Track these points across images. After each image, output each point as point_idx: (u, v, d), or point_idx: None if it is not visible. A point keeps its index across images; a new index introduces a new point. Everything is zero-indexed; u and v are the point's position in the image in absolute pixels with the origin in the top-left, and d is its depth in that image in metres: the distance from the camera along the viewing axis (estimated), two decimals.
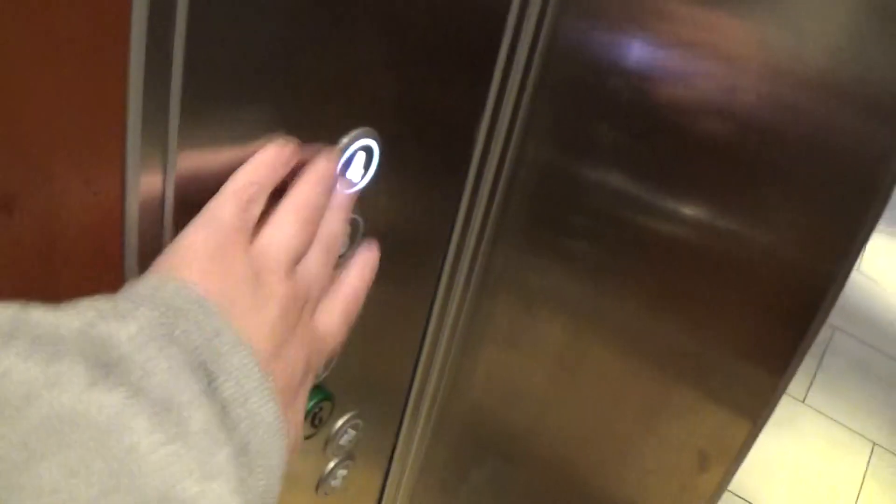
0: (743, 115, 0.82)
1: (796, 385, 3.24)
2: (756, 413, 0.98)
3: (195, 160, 0.48)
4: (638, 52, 0.81)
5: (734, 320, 0.92)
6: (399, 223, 0.71)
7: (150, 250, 0.50)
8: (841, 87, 0.78)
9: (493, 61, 0.68)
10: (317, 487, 0.84)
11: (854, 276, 3.84)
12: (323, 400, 0.73)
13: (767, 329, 0.93)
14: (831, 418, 3.17)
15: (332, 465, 0.83)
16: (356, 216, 0.63)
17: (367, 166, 0.61)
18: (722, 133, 0.83)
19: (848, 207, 0.84)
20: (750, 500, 2.79)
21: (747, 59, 0.79)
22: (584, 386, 1.01)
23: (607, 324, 0.95)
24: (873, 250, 4.01)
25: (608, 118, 0.84)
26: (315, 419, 0.73)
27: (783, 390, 0.98)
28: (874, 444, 3.12)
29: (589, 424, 1.05)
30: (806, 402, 3.21)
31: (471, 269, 0.82)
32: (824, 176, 0.84)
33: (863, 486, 2.95)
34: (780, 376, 0.94)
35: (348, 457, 0.84)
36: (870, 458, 3.06)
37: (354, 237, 0.64)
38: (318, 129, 0.56)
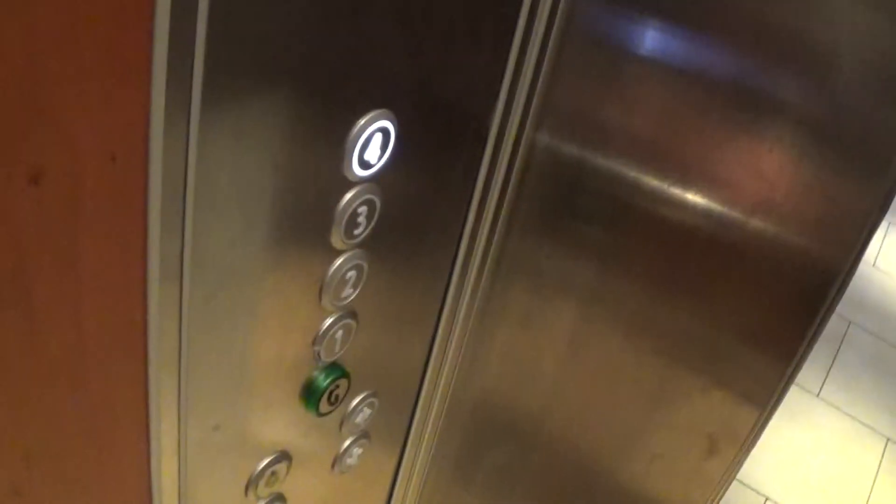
0: (755, 98, 0.83)
1: (811, 379, 3.25)
2: (764, 400, 0.99)
3: (217, 134, 0.50)
4: (653, 37, 0.82)
5: (742, 307, 0.94)
6: (415, 205, 0.73)
7: (173, 223, 0.52)
8: (851, 71, 0.80)
9: (509, 46, 0.70)
10: (332, 465, 0.85)
11: (871, 271, 3.83)
12: (340, 377, 0.74)
13: (775, 316, 0.94)
14: (845, 413, 3.18)
15: (347, 443, 0.85)
16: (373, 196, 0.64)
17: (383, 148, 0.62)
18: (733, 118, 0.84)
19: (856, 196, 0.85)
20: (762, 493, 2.79)
21: (757, 43, 0.80)
22: (594, 370, 1.02)
23: (618, 309, 0.96)
24: (890, 245, 4.00)
25: (622, 105, 0.85)
26: (331, 397, 0.75)
27: (791, 378, 0.99)
28: (888, 439, 3.12)
29: (599, 408, 1.06)
30: (820, 396, 3.21)
31: (486, 251, 0.84)
32: (832, 165, 0.85)
33: (876, 481, 2.95)
34: (787, 363, 0.95)
35: (364, 435, 0.86)
36: (883, 452, 3.07)
37: (371, 218, 0.66)
38: (336, 110, 0.57)
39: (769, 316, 0.95)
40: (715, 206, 0.88)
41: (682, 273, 0.92)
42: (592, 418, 1.08)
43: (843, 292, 0.91)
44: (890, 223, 4.09)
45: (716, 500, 1.08)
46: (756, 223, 0.87)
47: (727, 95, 0.84)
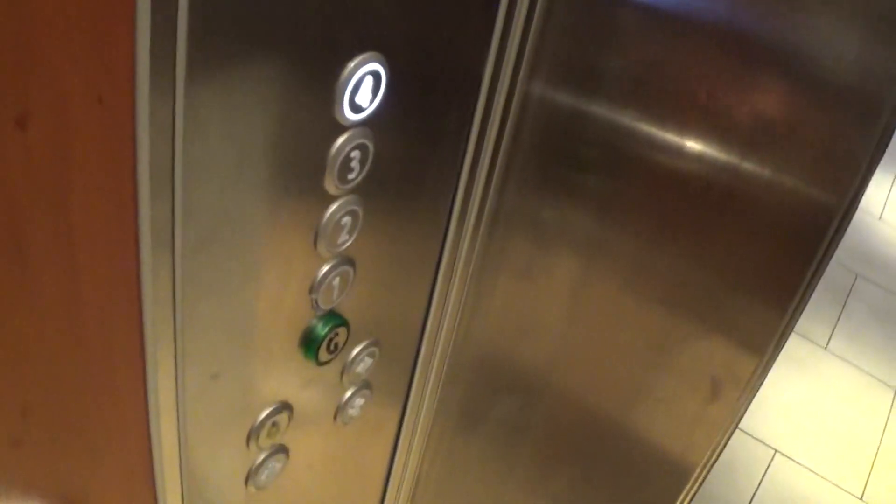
0: (747, 46, 0.83)
1: (819, 332, 3.25)
2: (766, 343, 0.99)
3: (204, 77, 0.50)
4: None
5: (741, 251, 0.94)
6: (409, 151, 0.73)
7: (163, 168, 0.51)
8: (844, 12, 0.79)
9: None
10: (335, 416, 0.86)
11: (877, 224, 3.83)
12: (338, 325, 0.74)
13: (774, 259, 0.94)
14: (854, 365, 3.18)
15: (349, 393, 0.85)
16: (366, 141, 0.64)
17: (374, 92, 0.62)
18: (726, 64, 0.84)
19: (850, 137, 0.85)
20: (771, 446, 2.80)
21: None
22: (596, 318, 1.02)
23: (617, 256, 0.96)
24: None
25: (615, 51, 0.85)
26: (331, 345, 0.75)
27: (792, 322, 0.99)
28: None
29: (602, 355, 1.06)
30: (828, 348, 3.21)
31: (483, 200, 0.83)
32: (825, 108, 0.85)
33: (885, 432, 2.96)
34: (787, 306, 0.96)
35: (365, 386, 0.86)
36: (892, 403, 3.07)
37: (364, 163, 0.66)
38: (325, 52, 0.57)
39: (768, 259, 0.95)
40: (711, 150, 0.88)
41: (680, 218, 0.92)
42: (596, 366, 1.08)
43: (842, 235, 0.91)
44: None
45: (720, 445, 1.08)
46: (751, 166, 0.87)
47: (721, 38, 0.84)
